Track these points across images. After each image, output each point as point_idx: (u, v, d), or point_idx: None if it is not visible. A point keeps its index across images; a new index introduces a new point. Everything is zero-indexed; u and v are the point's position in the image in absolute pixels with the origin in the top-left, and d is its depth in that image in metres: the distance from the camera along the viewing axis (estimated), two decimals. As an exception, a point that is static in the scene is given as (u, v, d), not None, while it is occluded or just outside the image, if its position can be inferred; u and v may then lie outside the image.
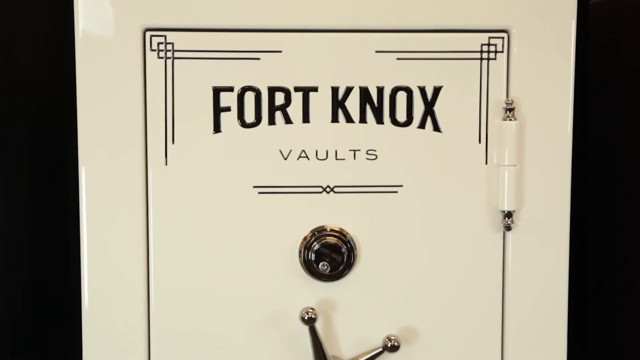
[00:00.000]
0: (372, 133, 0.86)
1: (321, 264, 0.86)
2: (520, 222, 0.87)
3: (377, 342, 0.87)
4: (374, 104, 0.86)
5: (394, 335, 0.86)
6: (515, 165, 0.86)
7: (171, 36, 0.84)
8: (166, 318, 0.86)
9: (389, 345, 0.86)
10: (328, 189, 0.87)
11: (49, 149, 1.09)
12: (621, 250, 1.03)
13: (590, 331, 1.11)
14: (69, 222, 1.01)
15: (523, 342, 0.89)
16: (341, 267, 0.86)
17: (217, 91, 0.85)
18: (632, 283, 1.00)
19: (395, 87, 0.86)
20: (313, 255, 0.86)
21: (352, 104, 0.86)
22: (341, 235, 0.87)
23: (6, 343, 1.04)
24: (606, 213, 1.06)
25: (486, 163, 0.87)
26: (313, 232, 0.87)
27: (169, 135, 0.85)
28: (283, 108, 0.85)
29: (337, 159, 0.86)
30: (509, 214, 0.86)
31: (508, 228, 0.87)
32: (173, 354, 0.87)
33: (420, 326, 0.88)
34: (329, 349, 0.86)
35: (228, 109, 0.85)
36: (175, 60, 0.84)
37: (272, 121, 0.85)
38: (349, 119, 0.86)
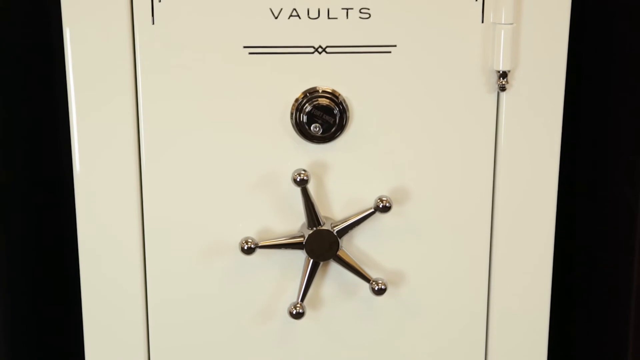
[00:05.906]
0: (365, -10, 0.83)
1: (313, 125, 0.85)
2: (515, 82, 0.86)
3: (369, 203, 0.87)
4: (367, -41, 0.83)
5: (386, 197, 0.87)
6: (512, 24, 0.84)
7: None
8: (158, 183, 0.87)
9: (380, 206, 0.86)
10: (320, 49, 0.85)
11: (32, 12, 1.06)
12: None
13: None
14: (55, 85, 0.99)
15: (512, 201, 0.89)
16: (333, 129, 0.86)
17: (204, -55, 0.81)
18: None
19: (390, -59, 0.83)
20: (305, 117, 0.85)
21: (345, -41, 0.83)
22: (333, 96, 0.85)
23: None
24: (604, 90, 1.04)
25: (482, 21, 0.85)
26: (305, 93, 0.85)
27: (155, -8, 0.82)
28: (273, -37, 0.82)
29: (329, 17, 0.84)
30: (503, 74, 0.85)
31: (502, 89, 0.85)
32: (166, 229, 0.88)
33: (412, 187, 0.88)
34: (321, 210, 0.87)
35: (216, -36, 0.82)
36: None
37: (261, -23, 0.82)
38: (342, -25, 0.83)
